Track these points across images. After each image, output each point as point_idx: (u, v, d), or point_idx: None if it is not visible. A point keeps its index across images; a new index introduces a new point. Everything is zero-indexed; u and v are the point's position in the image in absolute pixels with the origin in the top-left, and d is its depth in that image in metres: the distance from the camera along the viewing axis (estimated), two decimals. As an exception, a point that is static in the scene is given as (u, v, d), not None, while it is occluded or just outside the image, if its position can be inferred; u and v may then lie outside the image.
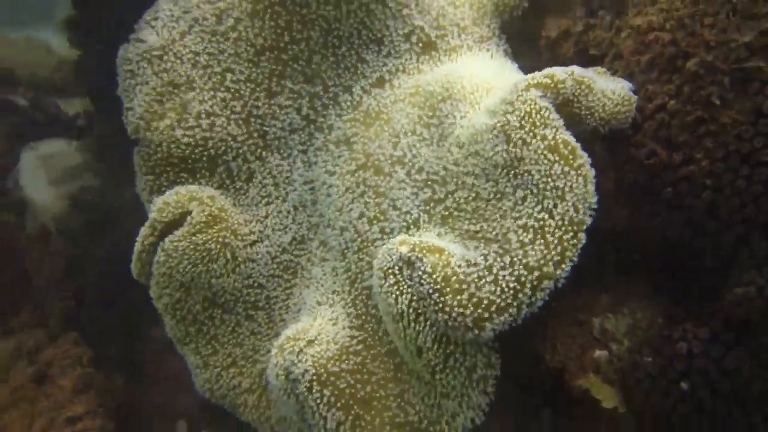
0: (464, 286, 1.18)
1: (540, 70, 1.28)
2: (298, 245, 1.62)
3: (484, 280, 1.18)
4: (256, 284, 1.61)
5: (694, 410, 1.27)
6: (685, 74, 1.22)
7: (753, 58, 1.14)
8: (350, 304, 1.46)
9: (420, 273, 1.19)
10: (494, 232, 1.24)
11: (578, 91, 1.21)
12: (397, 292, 1.22)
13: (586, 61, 1.47)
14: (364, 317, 1.43)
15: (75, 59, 2.38)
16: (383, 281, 1.25)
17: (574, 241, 1.18)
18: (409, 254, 1.21)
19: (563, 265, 1.18)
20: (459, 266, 1.20)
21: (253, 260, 1.60)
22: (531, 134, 1.18)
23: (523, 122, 1.18)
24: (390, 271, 1.23)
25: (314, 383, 1.32)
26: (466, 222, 1.30)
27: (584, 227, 1.19)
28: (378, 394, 1.36)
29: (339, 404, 1.32)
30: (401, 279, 1.22)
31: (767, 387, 1.21)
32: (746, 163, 1.16)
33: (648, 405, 1.31)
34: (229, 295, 1.60)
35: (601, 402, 1.37)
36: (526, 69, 1.49)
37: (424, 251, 1.21)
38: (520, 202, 1.21)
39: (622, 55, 1.35)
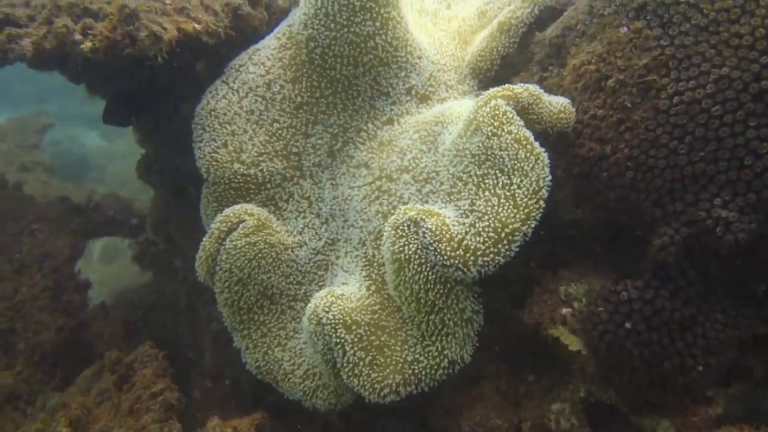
0: (456, 237, 1.58)
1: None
2: (329, 247, 2.03)
3: (470, 233, 1.59)
4: (296, 281, 2.01)
5: (636, 344, 1.61)
6: (606, 90, 1.69)
7: (649, 75, 1.62)
8: (368, 277, 1.83)
9: (424, 229, 1.59)
10: (477, 202, 1.63)
11: (532, 100, 1.66)
12: (406, 243, 1.61)
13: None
14: (380, 285, 1.79)
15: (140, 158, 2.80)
16: (394, 237, 1.63)
17: (537, 205, 1.58)
18: (415, 216, 1.61)
19: (529, 222, 1.57)
20: (453, 225, 1.61)
21: (294, 261, 2.01)
22: (500, 129, 1.60)
23: (492, 120, 1.61)
24: (400, 228, 1.62)
25: (339, 326, 1.66)
26: (457, 199, 1.69)
27: (544, 196, 1.58)
28: (390, 342, 1.69)
29: (360, 345, 1.65)
30: (409, 233, 1.61)
31: (684, 316, 1.58)
32: (653, 147, 1.61)
33: (603, 344, 1.64)
34: (275, 288, 1.98)
35: (568, 346, 1.73)
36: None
37: (427, 214, 1.61)
38: (495, 179, 1.62)
39: (566, 88, 1.85)
